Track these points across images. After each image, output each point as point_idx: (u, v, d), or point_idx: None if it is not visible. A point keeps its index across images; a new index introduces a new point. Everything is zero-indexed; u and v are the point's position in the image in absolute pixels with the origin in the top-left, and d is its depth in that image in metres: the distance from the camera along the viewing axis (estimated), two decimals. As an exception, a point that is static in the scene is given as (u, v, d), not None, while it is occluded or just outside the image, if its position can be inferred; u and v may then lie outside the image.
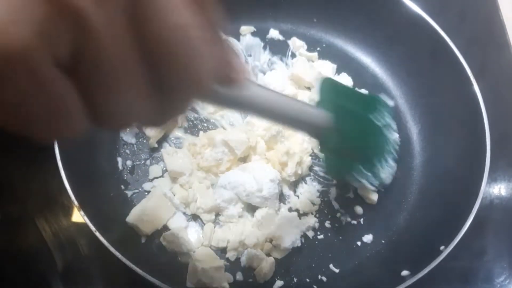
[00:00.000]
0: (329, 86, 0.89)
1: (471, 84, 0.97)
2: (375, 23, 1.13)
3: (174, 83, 0.38)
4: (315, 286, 0.90)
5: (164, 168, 0.99)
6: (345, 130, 0.81)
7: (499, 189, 1.06)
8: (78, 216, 0.80)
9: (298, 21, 1.21)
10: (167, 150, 1.00)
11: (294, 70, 1.13)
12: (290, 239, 0.91)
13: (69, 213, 0.94)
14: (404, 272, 0.83)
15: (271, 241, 0.93)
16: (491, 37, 1.25)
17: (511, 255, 0.99)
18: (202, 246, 0.92)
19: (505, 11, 1.26)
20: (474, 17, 1.28)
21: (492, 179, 1.06)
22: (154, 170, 0.99)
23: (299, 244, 0.93)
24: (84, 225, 0.79)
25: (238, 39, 1.18)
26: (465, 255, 0.97)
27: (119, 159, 1.00)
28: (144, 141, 1.02)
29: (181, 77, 0.38)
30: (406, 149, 1.07)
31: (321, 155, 1.01)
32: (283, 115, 0.66)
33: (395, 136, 1.00)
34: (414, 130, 1.09)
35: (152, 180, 0.98)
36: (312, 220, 0.96)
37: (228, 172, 0.97)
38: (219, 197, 0.94)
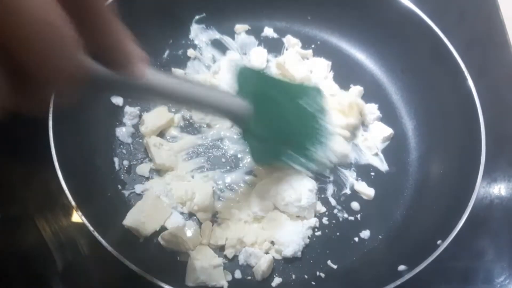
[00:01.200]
0: (246, 74, 0.88)
1: (466, 79, 0.98)
2: (369, 20, 1.14)
3: (32, 70, 0.41)
4: (313, 283, 0.91)
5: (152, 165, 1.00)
6: (267, 116, 0.84)
7: (499, 189, 1.07)
8: (77, 216, 0.79)
9: (293, 19, 1.21)
10: (153, 140, 0.99)
11: (281, 59, 1.13)
12: (293, 248, 0.92)
13: (69, 213, 0.94)
14: (401, 267, 0.83)
15: (272, 242, 0.94)
16: (491, 37, 1.25)
17: (511, 255, 1.00)
18: (201, 245, 0.92)
19: (505, 11, 1.26)
20: (474, 17, 1.29)
21: (492, 179, 1.07)
22: (142, 168, 0.99)
23: (300, 255, 0.93)
24: (84, 225, 0.79)
25: (233, 38, 1.19)
26: (465, 255, 0.98)
27: (116, 159, 1.00)
28: (140, 140, 1.02)
29: (38, 66, 0.41)
30: (402, 145, 1.08)
31: (246, 143, 0.94)
32: (193, 101, 0.70)
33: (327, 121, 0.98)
34: (409, 125, 1.10)
35: (143, 183, 0.98)
36: (312, 221, 0.97)
37: (264, 180, 0.97)
38: (256, 205, 0.94)
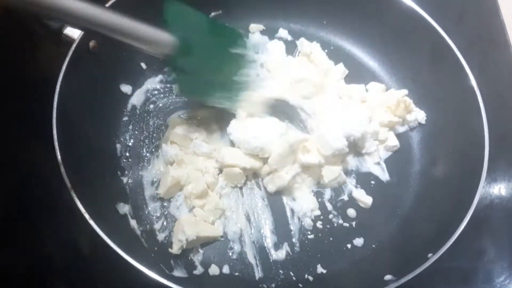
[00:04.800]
0: (178, 11, 0.91)
1: (475, 94, 0.97)
2: (383, 27, 1.13)
3: None
4: (300, 285, 0.90)
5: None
6: (197, 52, 0.89)
7: (499, 189, 1.05)
8: (78, 216, 0.79)
9: (308, 22, 1.22)
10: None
11: (307, 50, 1.15)
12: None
13: (69, 213, 0.94)
14: (388, 277, 0.82)
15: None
16: (491, 37, 1.24)
17: (511, 255, 0.98)
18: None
19: (505, 11, 1.25)
20: (474, 17, 1.27)
21: (492, 179, 1.05)
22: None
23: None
24: (85, 224, 0.79)
25: (247, 36, 1.19)
26: (465, 255, 0.97)
27: (118, 146, 1.01)
28: (144, 132, 1.04)
29: None
30: (406, 156, 1.07)
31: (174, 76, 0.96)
32: (110, 27, 0.77)
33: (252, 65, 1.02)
34: (415, 137, 1.09)
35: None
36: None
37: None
38: None
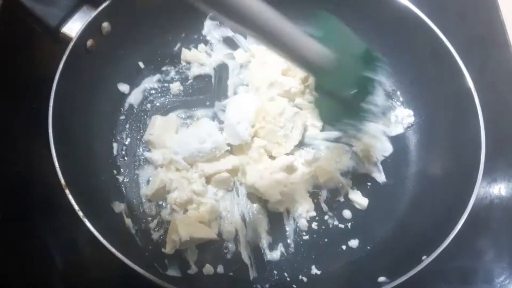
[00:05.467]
0: (331, 25, 0.85)
1: (472, 95, 0.96)
2: (380, 28, 1.11)
3: None
4: (294, 286, 0.90)
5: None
6: (344, 74, 0.80)
7: (499, 189, 1.05)
8: (78, 216, 0.79)
9: (307, 22, 1.20)
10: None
11: None
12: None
13: (69, 213, 0.94)
14: (381, 278, 0.82)
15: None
16: (491, 37, 1.24)
17: (511, 255, 0.98)
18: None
19: (505, 11, 1.25)
20: (474, 17, 1.27)
21: (492, 179, 1.05)
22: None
23: None
24: (79, 223, 0.78)
25: (245, 37, 1.19)
26: (465, 255, 0.97)
27: (115, 145, 1.02)
28: (141, 131, 1.04)
29: None
30: (403, 158, 1.06)
31: (314, 95, 0.88)
32: (279, 40, 0.72)
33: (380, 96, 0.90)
34: (412, 139, 1.08)
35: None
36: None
37: None
38: None
